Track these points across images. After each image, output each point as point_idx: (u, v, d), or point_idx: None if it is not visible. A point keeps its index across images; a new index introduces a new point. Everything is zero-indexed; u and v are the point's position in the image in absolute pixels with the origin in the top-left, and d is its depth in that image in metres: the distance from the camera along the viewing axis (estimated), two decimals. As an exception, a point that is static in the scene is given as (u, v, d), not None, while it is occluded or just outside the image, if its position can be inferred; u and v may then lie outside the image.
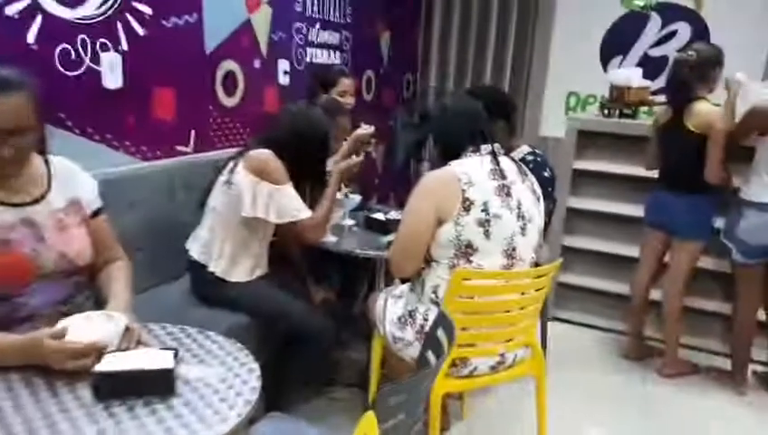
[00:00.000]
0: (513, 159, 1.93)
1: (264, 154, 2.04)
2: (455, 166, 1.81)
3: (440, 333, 1.39)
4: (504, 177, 1.82)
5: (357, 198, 2.62)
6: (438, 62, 4.63)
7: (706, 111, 2.60)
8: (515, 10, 4.32)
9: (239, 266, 2.13)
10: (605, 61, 4.23)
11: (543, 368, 2.03)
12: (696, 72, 2.64)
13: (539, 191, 1.94)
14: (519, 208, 1.82)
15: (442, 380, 1.82)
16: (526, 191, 1.87)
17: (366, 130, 2.62)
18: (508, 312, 1.87)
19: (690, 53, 2.68)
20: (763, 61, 3.75)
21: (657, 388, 2.86)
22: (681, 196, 2.74)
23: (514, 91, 4.40)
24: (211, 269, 2.10)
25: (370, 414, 1.02)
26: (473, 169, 1.79)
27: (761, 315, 2.80)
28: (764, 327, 2.88)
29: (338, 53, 3.63)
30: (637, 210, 3.05)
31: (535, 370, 2.02)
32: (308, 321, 2.12)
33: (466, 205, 1.75)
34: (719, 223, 2.77)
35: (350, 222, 2.57)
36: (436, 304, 1.84)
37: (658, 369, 2.97)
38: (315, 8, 3.34)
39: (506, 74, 4.43)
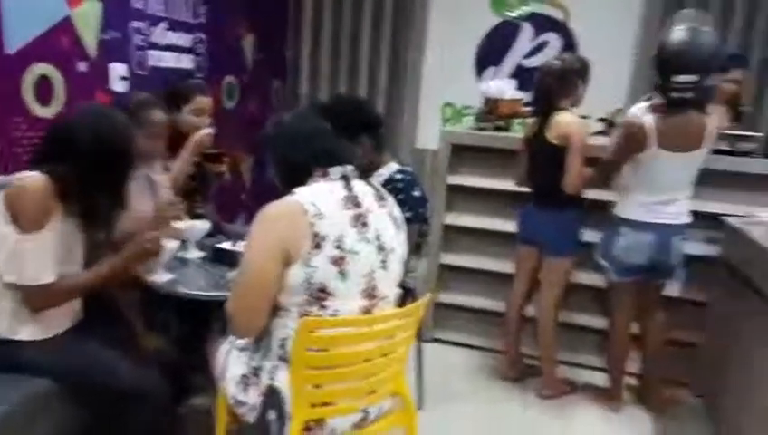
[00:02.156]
0: (368, 183, 1.66)
1: (24, 182, 1.61)
2: (300, 194, 1.51)
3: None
4: (358, 205, 1.54)
5: (204, 226, 2.26)
6: (309, 68, 4.35)
7: (566, 122, 2.53)
8: (389, 17, 4.13)
9: (27, 322, 1.69)
10: (480, 71, 4.15)
11: (414, 418, 1.78)
12: (559, 82, 2.57)
13: (400, 217, 1.69)
14: (378, 240, 1.56)
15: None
16: (385, 219, 1.61)
17: (206, 132, 2.39)
18: (369, 361, 1.60)
19: (555, 61, 2.63)
20: (627, 74, 3.82)
21: (537, 413, 2.74)
22: (547, 211, 2.68)
23: (390, 100, 4.21)
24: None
25: None
26: (322, 197, 1.50)
27: (635, 328, 2.78)
28: (638, 340, 2.85)
29: (191, 57, 3.23)
30: (513, 226, 2.93)
31: (405, 421, 1.78)
32: (136, 378, 1.74)
33: (316, 241, 1.46)
34: (588, 237, 2.72)
35: (197, 254, 2.22)
36: (285, 360, 1.54)
37: (538, 391, 2.87)
38: (159, 6, 2.92)
39: (381, 82, 4.22)
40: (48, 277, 1.64)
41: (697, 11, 2.74)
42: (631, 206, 2.51)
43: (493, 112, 3.13)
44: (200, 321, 1.98)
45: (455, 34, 4.12)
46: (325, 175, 1.55)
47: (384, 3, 4.13)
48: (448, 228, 3.24)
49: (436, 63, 4.19)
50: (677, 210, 2.48)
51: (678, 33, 2.32)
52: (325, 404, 1.55)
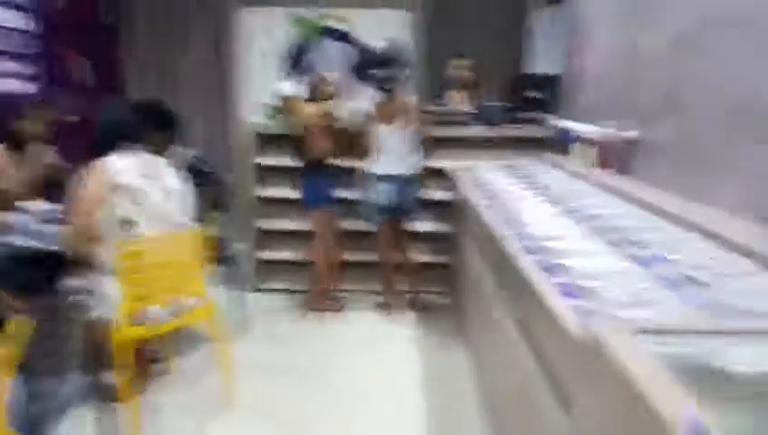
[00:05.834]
0: (158, 158, 2.57)
1: None
2: (109, 159, 2.37)
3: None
4: (148, 167, 2.45)
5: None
6: (139, 88, 5.09)
7: (306, 111, 3.57)
8: (209, 43, 5.01)
9: None
10: (288, 74, 5.08)
11: (213, 313, 2.65)
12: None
13: (177, 178, 2.61)
14: (163, 186, 2.46)
15: (126, 329, 2.33)
16: (168, 175, 2.53)
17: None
18: (168, 268, 2.47)
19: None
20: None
21: (333, 323, 3.74)
22: (307, 176, 3.67)
23: (221, 103, 5.06)
24: None
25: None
26: (122, 161, 2.40)
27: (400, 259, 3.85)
28: (401, 267, 3.90)
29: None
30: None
31: (207, 315, 2.64)
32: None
33: (118, 187, 2.32)
34: (347, 194, 3.77)
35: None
36: (112, 273, 2.35)
37: (329, 310, 3.87)
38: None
39: (201, 97, 5.08)
40: None
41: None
42: (380, 164, 3.56)
43: (289, 109, 4.05)
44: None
45: (267, 52, 5.06)
46: (128, 148, 2.42)
47: (204, 37, 4.98)
48: (261, 200, 4.13)
49: (256, 71, 5.09)
50: (408, 165, 3.55)
51: (384, 44, 3.47)
52: (143, 298, 2.39)
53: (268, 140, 4.08)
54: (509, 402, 2.13)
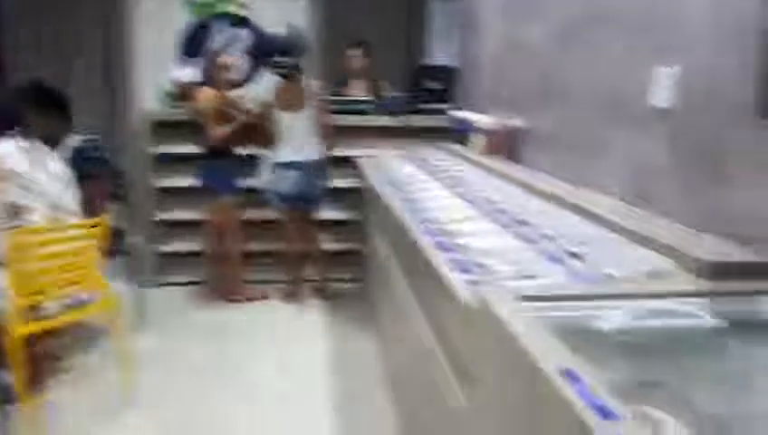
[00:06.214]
0: (41, 144, 2.48)
1: None
2: None
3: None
4: (32, 152, 2.35)
5: None
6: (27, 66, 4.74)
7: (205, 97, 3.52)
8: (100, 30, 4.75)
9: None
10: (184, 60, 4.92)
11: (112, 307, 2.57)
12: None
13: (62, 163, 2.53)
14: (49, 172, 2.37)
15: (18, 325, 2.21)
16: (52, 162, 2.44)
17: None
18: (61, 258, 2.36)
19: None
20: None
21: (249, 313, 3.72)
22: (208, 165, 3.63)
23: (116, 88, 4.82)
24: None
25: None
26: (8, 147, 2.27)
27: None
28: (308, 256, 3.94)
29: None
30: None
31: (106, 309, 2.55)
32: None
33: (6, 174, 2.20)
34: (251, 182, 3.72)
35: None
36: (2, 264, 2.22)
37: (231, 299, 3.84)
38: None
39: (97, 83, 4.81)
40: None
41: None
42: (282, 151, 3.55)
43: (186, 95, 3.94)
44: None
45: (163, 35, 4.86)
46: (13, 135, 2.30)
47: (97, 19, 4.71)
48: (160, 190, 4.00)
49: (150, 56, 4.88)
50: (311, 152, 3.57)
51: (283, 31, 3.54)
52: (38, 293, 2.27)
53: (166, 128, 3.95)
54: (414, 384, 2.24)
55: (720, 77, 1.58)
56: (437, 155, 3.59)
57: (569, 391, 0.90)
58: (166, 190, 4.03)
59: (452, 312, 1.52)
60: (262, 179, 3.68)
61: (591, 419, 0.84)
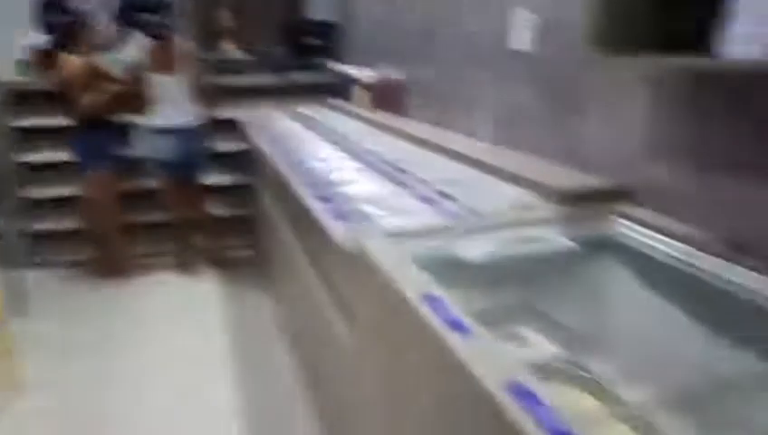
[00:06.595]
0: None
1: None
2: None
3: None
4: None
5: None
6: None
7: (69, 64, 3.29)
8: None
9: None
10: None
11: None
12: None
13: None
14: None
15: None
16: None
17: None
18: None
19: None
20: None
21: (140, 286, 3.56)
22: (80, 136, 3.41)
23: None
24: None
25: None
26: None
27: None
28: (196, 224, 3.81)
29: None
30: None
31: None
32: None
33: None
34: (130, 151, 3.52)
35: None
36: None
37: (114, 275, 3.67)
38: None
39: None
40: None
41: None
42: (156, 116, 3.37)
43: (46, 63, 3.63)
44: None
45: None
46: None
47: None
48: (29, 166, 3.69)
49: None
50: (189, 116, 3.42)
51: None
52: None
53: (29, 99, 3.63)
54: (310, 335, 2.27)
55: (569, 16, 1.69)
56: (321, 112, 3.57)
57: (429, 314, 0.95)
58: (35, 166, 3.73)
59: (333, 258, 1.55)
60: (139, 148, 3.48)
61: (452, 337, 0.90)
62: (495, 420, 0.73)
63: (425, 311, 0.96)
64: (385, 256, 1.19)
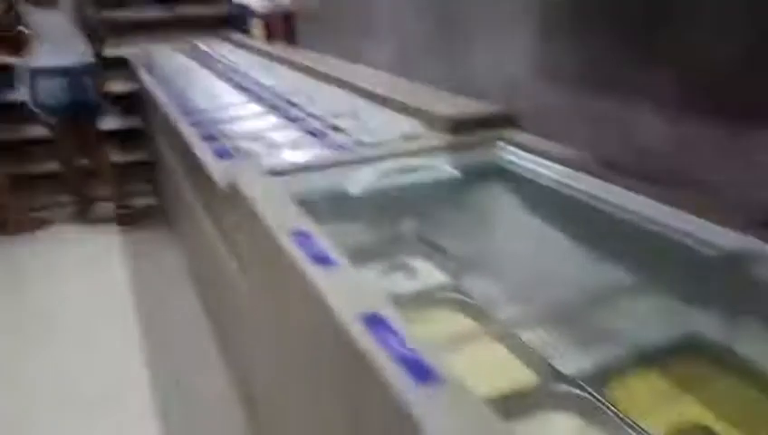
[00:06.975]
0: None
1: None
2: None
3: None
4: None
5: None
6: None
7: None
8: None
9: None
10: None
11: None
12: None
13: None
14: None
15: None
16: None
17: None
18: None
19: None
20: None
21: (48, 245, 3.33)
22: None
23: None
24: None
25: None
26: None
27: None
28: (94, 172, 3.58)
29: None
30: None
31: None
32: None
33: None
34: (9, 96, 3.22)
35: None
36: None
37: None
38: None
39: None
40: None
41: None
42: (43, 55, 3.07)
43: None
44: None
45: None
46: None
47: None
48: None
49: None
50: (75, 55, 3.13)
51: None
52: None
53: None
54: (211, 283, 2.21)
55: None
56: (215, 45, 3.38)
57: (295, 250, 0.92)
58: None
59: (219, 199, 1.48)
60: (21, 92, 3.17)
61: (315, 271, 0.87)
62: (348, 349, 0.71)
63: (291, 247, 0.93)
64: (260, 193, 1.14)
